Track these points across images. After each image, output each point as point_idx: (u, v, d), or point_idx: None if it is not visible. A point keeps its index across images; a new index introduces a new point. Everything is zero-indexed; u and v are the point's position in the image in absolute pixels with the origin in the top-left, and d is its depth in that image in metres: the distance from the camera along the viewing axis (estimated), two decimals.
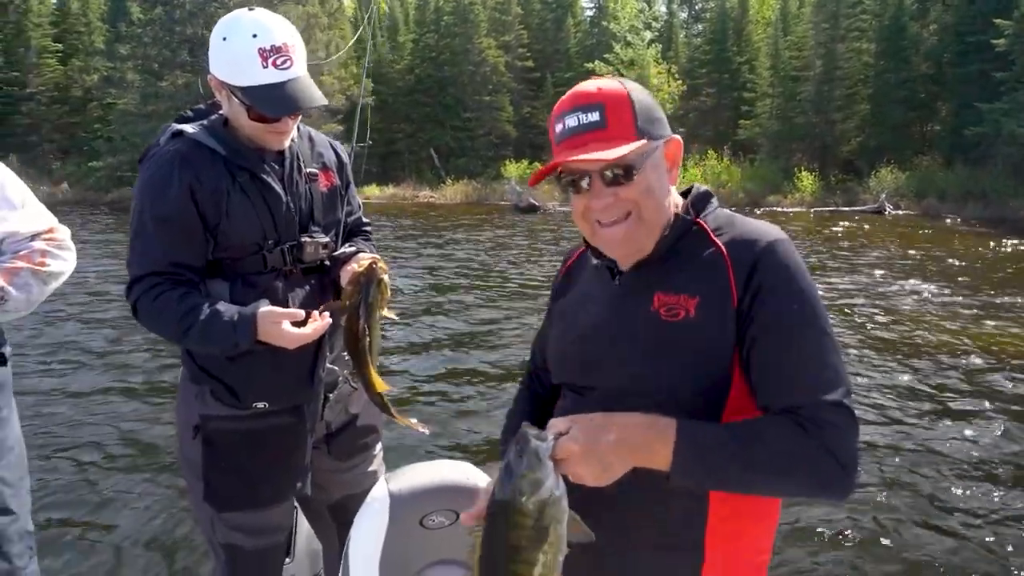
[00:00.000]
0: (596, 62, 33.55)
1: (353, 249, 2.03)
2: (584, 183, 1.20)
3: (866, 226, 20.82)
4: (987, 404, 5.77)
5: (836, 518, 3.94)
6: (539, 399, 1.52)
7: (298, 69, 1.82)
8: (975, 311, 9.34)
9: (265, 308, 1.78)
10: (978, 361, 6.97)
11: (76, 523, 3.93)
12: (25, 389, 6.21)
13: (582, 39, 42.00)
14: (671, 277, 1.22)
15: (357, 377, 1.97)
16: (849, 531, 3.82)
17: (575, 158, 1.17)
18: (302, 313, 1.82)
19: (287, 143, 1.95)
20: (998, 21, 25.35)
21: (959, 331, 8.19)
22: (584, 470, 1.06)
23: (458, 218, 23.99)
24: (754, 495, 1.20)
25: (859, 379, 6.40)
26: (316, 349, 1.96)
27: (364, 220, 2.26)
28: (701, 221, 1.26)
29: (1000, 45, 25.36)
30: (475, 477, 1.96)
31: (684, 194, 1.33)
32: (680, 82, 34.65)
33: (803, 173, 29.11)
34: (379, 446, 2.30)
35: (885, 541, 3.76)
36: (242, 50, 1.77)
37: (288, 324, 1.78)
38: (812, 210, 26.34)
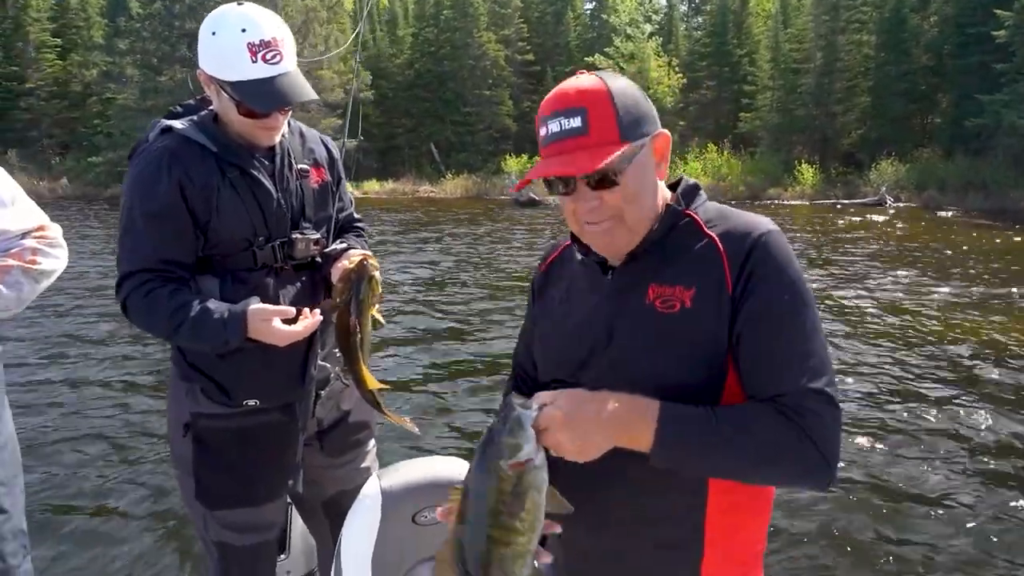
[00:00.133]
0: (596, 55, 33.53)
1: (344, 245, 2.01)
2: (569, 187, 1.20)
3: (867, 218, 20.82)
4: (985, 393, 5.77)
5: (825, 508, 3.95)
6: None
7: (287, 64, 1.81)
8: (974, 302, 9.34)
9: (255, 305, 1.77)
10: (977, 352, 6.97)
11: (72, 516, 3.95)
12: (24, 383, 6.26)
13: (582, 32, 41.94)
14: (664, 269, 1.22)
15: (348, 374, 1.96)
16: (838, 520, 3.84)
17: (553, 172, 1.18)
18: (293, 310, 1.82)
19: (277, 139, 1.93)
20: (998, 12, 25.29)
21: (958, 322, 8.19)
22: (565, 438, 1.08)
23: (458, 212, 23.99)
24: (734, 481, 1.20)
25: (857, 369, 6.40)
26: (307, 346, 1.95)
27: (356, 216, 2.25)
28: (691, 213, 1.26)
29: (1000, 36, 25.32)
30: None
31: (673, 186, 1.32)
32: (680, 75, 34.60)
33: (804, 166, 29.11)
34: (372, 442, 2.29)
35: (872, 530, 3.78)
36: (231, 45, 1.76)
37: (279, 321, 1.77)
38: (813, 203, 26.33)
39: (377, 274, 1.87)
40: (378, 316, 1.90)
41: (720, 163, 30.93)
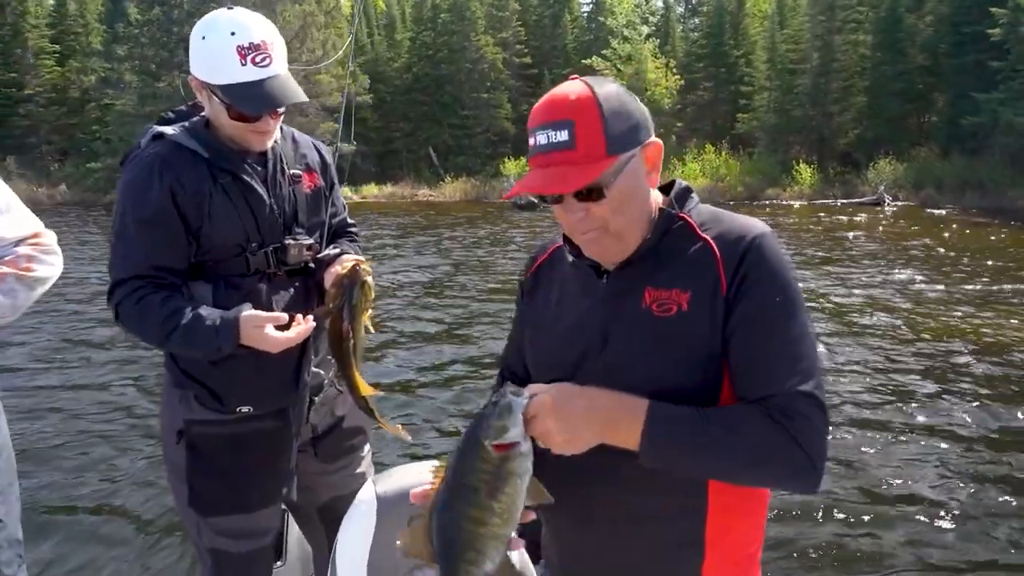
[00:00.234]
0: (594, 57, 33.56)
1: (337, 251, 2.01)
2: (557, 197, 1.21)
3: (865, 217, 20.84)
4: (985, 391, 5.77)
5: (818, 508, 3.96)
6: None
7: (277, 67, 1.81)
8: (972, 299, 9.34)
9: (248, 312, 1.77)
10: (975, 349, 6.96)
11: (71, 519, 3.96)
12: (24, 387, 6.31)
13: (579, 35, 42.01)
14: (660, 272, 1.22)
15: (341, 380, 1.96)
16: (830, 520, 3.84)
17: (537, 190, 1.17)
18: (285, 317, 1.81)
19: (269, 144, 1.93)
20: (994, 10, 25.34)
21: (957, 319, 8.19)
22: (553, 426, 1.09)
23: (457, 216, 23.99)
24: (722, 482, 1.20)
25: (854, 368, 6.41)
26: (301, 352, 1.95)
27: (349, 221, 2.24)
28: (685, 216, 1.26)
29: (996, 35, 25.38)
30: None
31: (666, 188, 1.32)
32: (678, 76, 34.66)
33: (801, 166, 29.15)
34: (367, 448, 2.28)
35: (865, 525, 3.80)
36: (220, 48, 1.76)
37: (271, 328, 1.77)
38: (811, 202, 26.35)
39: (370, 279, 1.87)
40: (368, 323, 1.90)
41: (718, 164, 30.96)
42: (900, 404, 5.60)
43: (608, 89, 1.19)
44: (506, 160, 33.95)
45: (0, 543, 2.02)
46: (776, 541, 3.63)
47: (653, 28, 36.79)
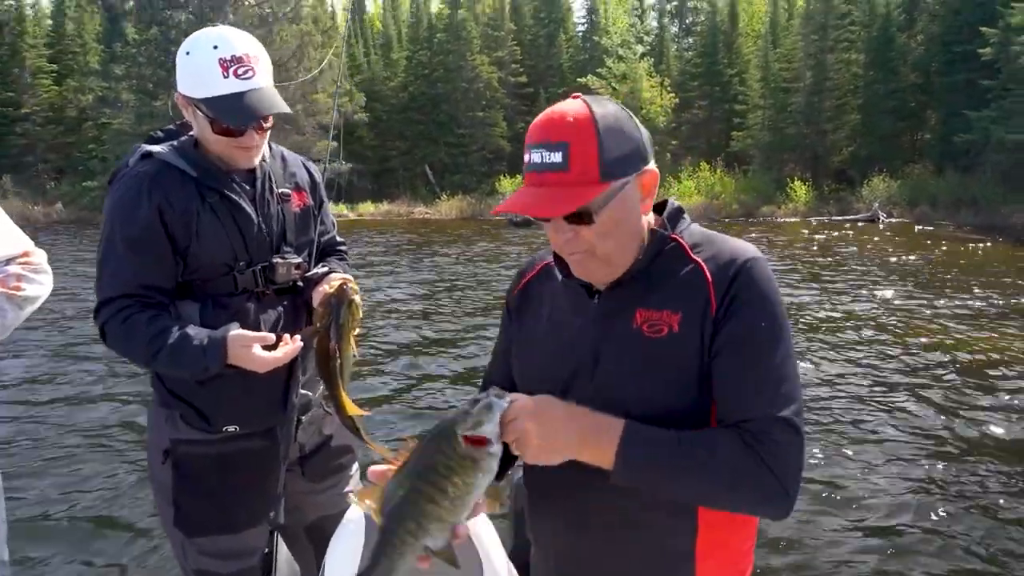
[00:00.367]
0: (589, 76, 33.78)
1: (325, 269, 2.01)
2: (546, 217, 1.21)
3: (859, 234, 20.90)
4: (975, 406, 5.78)
5: (803, 524, 3.97)
6: None
7: (260, 80, 1.81)
8: (963, 315, 9.36)
9: (235, 332, 1.76)
10: (965, 363, 6.98)
11: (59, 537, 3.93)
12: (16, 401, 6.35)
13: (574, 54, 42.29)
14: (651, 294, 1.22)
15: (329, 399, 1.95)
16: (820, 537, 3.83)
17: (527, 212, 1.17)
18: (273, 337, 1.81)
19: (256, 160, 1.93)
20: (984, 29, 25.61)
21: (948, 335, 8.20)
22: (531, 428, 1.10)
23: (453, 233, 24.03)
24: (691, 503, 1.21)
25: (848, 382, 6.41)
26: (289, 372, 1.94)
27: (339, 239, 2.24)
28: (677, 237, 1.26)
29: (986, 54, 25.61)
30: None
31: (658, 208, 1.32)
32: (672, 95, 34.88)
33: (796, 183, 29.29)
34: (355, 466, 2.27)
35: (858, 538, 3.81)
36: (203, 62, 1.78)
37: (259, 348, 1.76)
38: (806, 219, 26.45)
39: (357, 298, 1.87)
40: (354, 348, 1.89)
41: (713, 181, 31.09)
42: (889, 419, 5.60)
43: (608, 112, 1.18)
44: (502, 178, 34.03)
45: None
46: (766, 552, 3.63)
47: (648, 47, 37.07)
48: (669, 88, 35.15)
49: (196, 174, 1.85)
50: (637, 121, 1.22)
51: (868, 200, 27.08)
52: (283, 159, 2.07)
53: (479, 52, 38.95)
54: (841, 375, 6.83)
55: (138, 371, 6.99)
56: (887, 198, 26.91)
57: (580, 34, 44.94)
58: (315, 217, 2.10)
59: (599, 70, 34.42)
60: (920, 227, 22.76)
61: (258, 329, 1.86)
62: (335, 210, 30.74)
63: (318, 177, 2.16)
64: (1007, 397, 6.08)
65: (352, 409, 1.91)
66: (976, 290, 11.30)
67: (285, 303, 1.99)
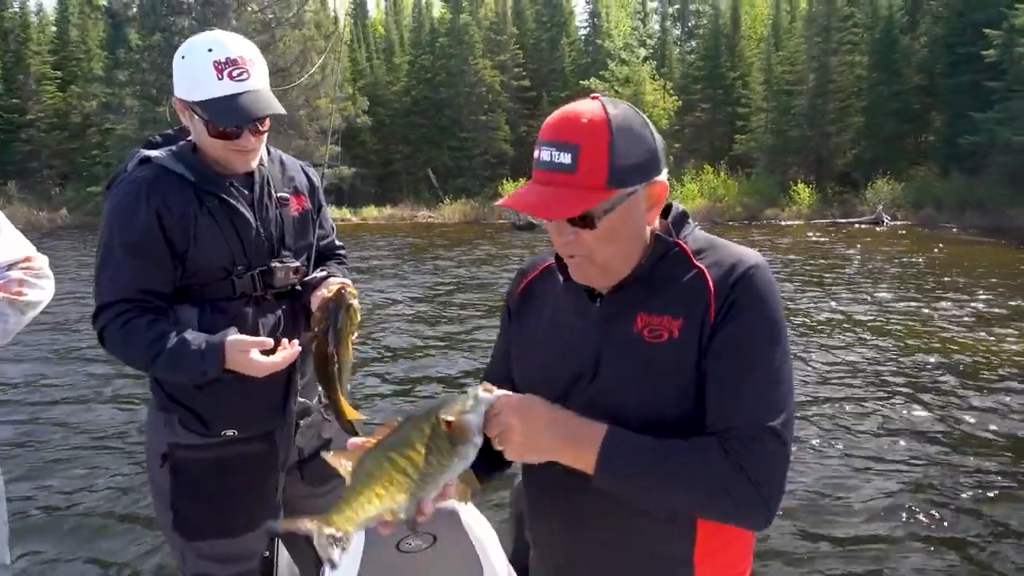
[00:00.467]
0: (592, 79, 33.78)
1: (324, 274, 2.01)
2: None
3: (864, 237, 20.85)
4: (985, 410, 5.75)
5: (808, 520, 3.95)
6: None
7: (255, 82, 1.82)
8: (967, 317, 9.34)
9: (233, 336, 1.77)
10: (976, 367, 6.95)
11: (60, 538, 3.95)
12: (19, 401, 6.42)
13: (577, 57, 42.32)
14: (653, 298, 1.21)
15: (328, 403, 1.95)
16: (822, 532, 3.82)
17: (528, 211, 1.17)
18: (271, 341, 1.81)
19: (254, 164, 1.93)
20: (988, 31, 25.55)
21: (952, 337, 8.17)
22: (515, 423, 1.12)
23: (456, 237, 24.05)
24: (672, 510, 1.20)
25: (852, 384, 6.39)
26: (287, 377, 1.94)
27: (338, 243, 2.25)
28: (681, 242, 1.25)
29: (991, 56, 25.54)
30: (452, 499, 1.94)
31: (663, 212, 1.30)
32: (675, 98, 34.87)
33: (800, 186, 29.22)
34: None
35: (858, 541, 3.80)
36: (198, 65, 1.78)
37: (257, 352, 1.77)
38: (810, 222, 26.38)
39: (355, 303, 1.87)
40: (350, 356, 1.89)
41: (716, 184, 31.05)
42: (889, 422, 5.59)
43: (625, 117, 1.16)
44: (505, 182, 34.04)
45: None
46: (767, 551, 3.63)
47: (650, 51, 37.07)
48: (672, 91, 35.14)
49: (194, 178, 1.85)
50: (654, 129, 1.20)
51: (872, 203, 27.00)
52: (282, 163, 2.07)
53: (481, 56, 38.99)
54: (841, 378, 6.81)
55: (141, 374, 7.02)
56: (891, 200, 26.83)
57: (582, 37, 44.94)
58: (314, 221, 2.10)
59: (602, 72, 34.42)
60: (928, 229, 22.70)
61: (256, 333, 1.86)
62: (338, 214, 30.84)
63: (317, 181, 2.16)
64: (1007, 398, 6.05)
65: (351, 413, 1.91)
66: (981, 293, 11.25)
67: (284, 307, 1.99)
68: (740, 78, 36.97)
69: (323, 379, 1.88)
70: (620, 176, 1.14)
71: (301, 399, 2.03)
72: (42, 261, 2.21)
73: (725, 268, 1.19)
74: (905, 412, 5.84)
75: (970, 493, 4.39)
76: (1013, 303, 10.36)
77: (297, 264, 2.00)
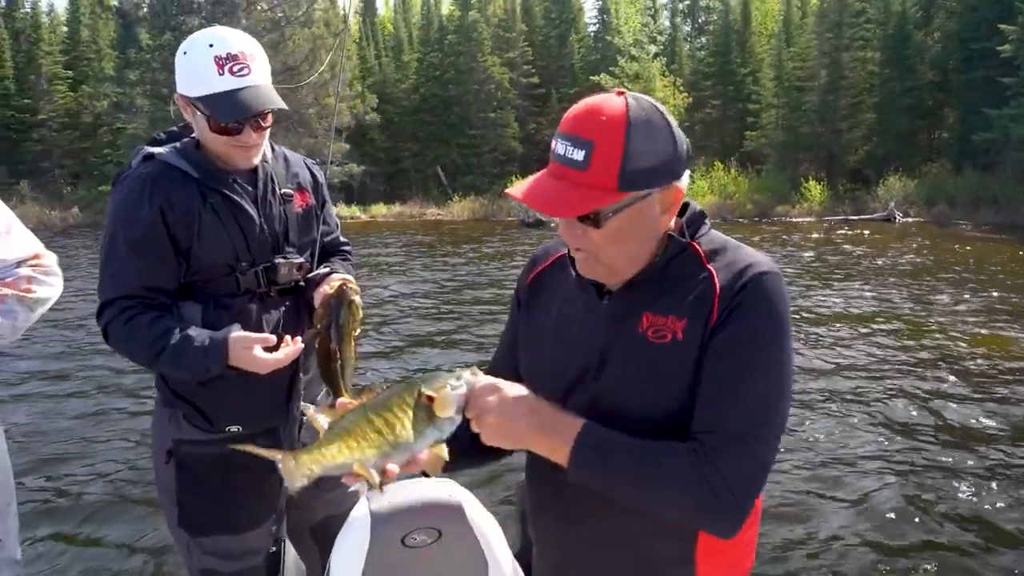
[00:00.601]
0: (602, 75, 33.66)
1: (327, 270, 2.01)
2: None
3: (876, 234, 20.72)
4: (998, 408, 5.71)
5: (809, 518, 3.92)
6: None
7: (257, 78, 1.82)
8: (984, 316, 9.25)
9: (236, 333, 1.77)
10: (988, 364, 6.89)
11: (69, 534, 3.99)
12: (29, 395, 6.49)
13: (586, 54, 42.18)
14: (660, 298, 1.20)
15: (332, 400, 1.95)
16: (824, 529, 3.81)
17: (534, 206, 1.16)
18: (274, 338, 1.81)
19: (256, 160, 1.94)
20: (1002, 27, 25.28)
21: (971, 336, 8.11)
22: (492, 404, 1.12)
23: (465, 234, 24.08)
24: (641, 506, 1.19)
25: (865, 382, 6.36)
26: (291, 373, 1.95)
27: (342, 239, 2.25)
28: (694, 244, 1.23)
29: (1005, 51, 25.27)
30: (457, 494, 1.94)
31: (680, 210, 1.28)
32: (685, 94, 34.72)
33: (811, 183, 29.03)
34: None
35: (860, 539, 3.76)
36: (200, 60, 1.79)
37: (260, 349, 1.77)
38: (821, 219, 26.22)
39: (357, 299, 1.87)
40: (353, 352, 1.89)
41: (727, 181, 30.90)
42: (895, 419, 5.55)
43: (647, 118, 1.13)
44: (514, 179, 33.88)
45: None
46: (768, 552, 3.63)
47: (660, 47, 36.92)
48: (682, 88, 35.00)
49: (198, 175, 1.86)
50: (679, 132, 1.17)
51: (884, 200, 26.80)
52: (285, 159, 2.08)
53: (490, 53, 38.95)
54: (848, 376, 6.74)
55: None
56: (903, 197, 26.62)
57: (592, 34, 44.80)
58: (317, 217, 2.11)
59: (612, 68, 34.32)
60: (941, 226, 22.52)
61: (260, 330, 1.86)
62: (348, 212, 30.90)
63: (320, 177, 2.16)
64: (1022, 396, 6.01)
65: None
66: (994, 291, 11.15)
67: (287, 303, 1.99)
68: (751, 74, 36.78)
69: (326, 375, 1.89)
70: (632, 178, 1.12)
71: (305, 403, 2.03)
72: (51, 259, 2.22)
73: (734, 272, 1.17)
74: (913, 411, 5.79)
75: (970, 493, 4.36)
76: None
77: (301, 260, 2.00)
